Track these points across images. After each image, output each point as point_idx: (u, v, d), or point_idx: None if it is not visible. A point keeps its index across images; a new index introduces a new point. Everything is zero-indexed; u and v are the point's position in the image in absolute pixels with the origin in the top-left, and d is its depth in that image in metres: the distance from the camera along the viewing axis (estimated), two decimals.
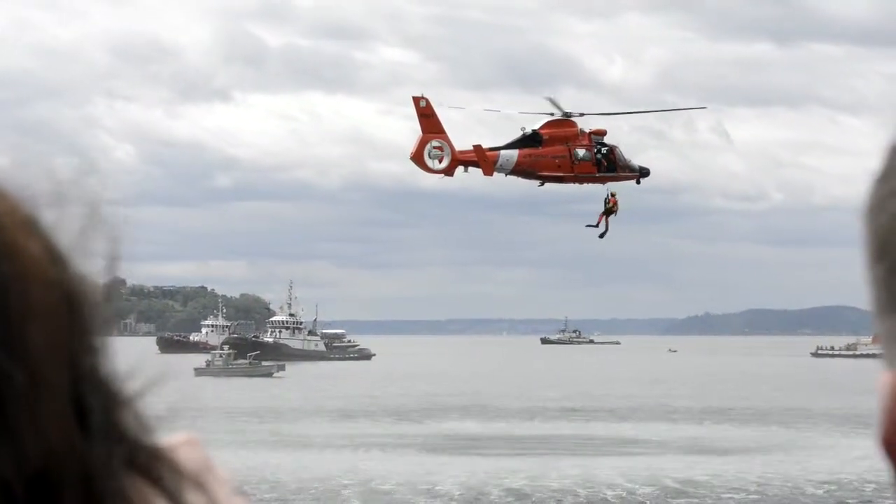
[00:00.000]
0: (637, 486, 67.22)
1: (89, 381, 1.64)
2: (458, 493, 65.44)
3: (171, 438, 1.76)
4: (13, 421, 1.56)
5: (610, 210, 71.67)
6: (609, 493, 65.62)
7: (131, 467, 1.68)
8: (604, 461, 78.09)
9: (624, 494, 65.35)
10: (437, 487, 66.83)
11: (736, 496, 64.95)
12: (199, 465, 1.77)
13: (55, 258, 1.67)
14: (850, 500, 63.53)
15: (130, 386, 1.71)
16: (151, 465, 1.69)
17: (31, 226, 1.66)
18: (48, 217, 1.68)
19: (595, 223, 72.00)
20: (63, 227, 1.69)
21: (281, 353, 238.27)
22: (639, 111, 75.31)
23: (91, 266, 1.70)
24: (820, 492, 66.13)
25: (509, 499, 63.93)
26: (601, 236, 72.04)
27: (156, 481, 1.69)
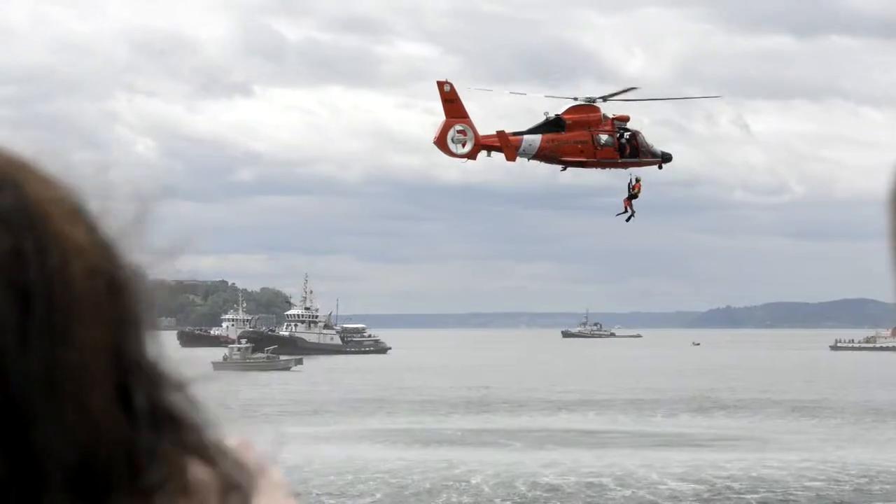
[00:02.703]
0: (674, 482, 66.82)
1: (134, 368, 1.66)
2: (486, 486, 65.10)
3: (225, 441, 1.78)
4: (62, 408, 1.59)
5: (634, 195, 71.57)
6: (642, 488, 65.32)
7: (184, 450, 1.70)
8: (636, 454, 77.74)
9: (663, 490, 64.98)
10: (463, 481, 66.51)
11: (774, 492, 64.58)
12: (254, 467, 1.78)
13: (101, 247, 1.68)
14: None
15: (179, 372, 1.73)
16: (203, 447, 1.71)
17: (77, 215, 1.68)
18: (95, 207, 1.70)
19: (623, 211, 71.95)
20: (109, 217, 1.70)
21: (297, 347, 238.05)
22: (659, 98, 74.88)
23: (137, 256, 1.71)
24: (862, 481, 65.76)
25: (538, 492, 63.56)
26: (628, 220, 71.91)
27: (209, 462, 1.71)
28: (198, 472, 1.73)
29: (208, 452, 1.72)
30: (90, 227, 1.68)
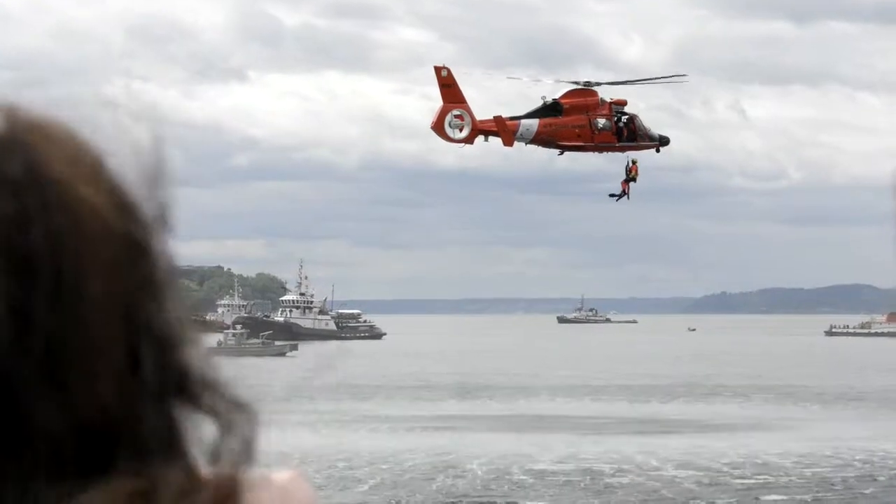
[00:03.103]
0: (673, 468, 66.76)
1: (146, 333, 1.61)
2: (481, 472, 64.97)
3: (278, 475, 1.72)
4: (63, 376, 1.54)
5: (632, 178, 71.64)
6: (640, 472, 65.24)
7: (195, 405, 1.65)
8: (633, 440, 77.71)
9: (660, 475, 64.91)
10: (458, 467, 66.37)
11: (771, 477, 64.53)
12: (306, 502, 1.73)
13: (121, 208, 1.62)
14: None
15: (193, 336, 1.67)
16: (212, 400, 1.65)
17: (96, 175, 1.62)
18: (116, 166, 1.64)
19: (617, 193, 71.96)
20: (131, 176, 1.64)
21: (291, 333, 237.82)
22: (630, 81, 74.51)
23: (157, 216, 1.66)
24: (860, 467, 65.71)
25: (534, 478, 63.38)
26: (618, 199, 71.99)
27: (216, 416, 1.66)
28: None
29: (225, 418, 1.66)
30: (110, 188, 1.62)
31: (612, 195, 72.04)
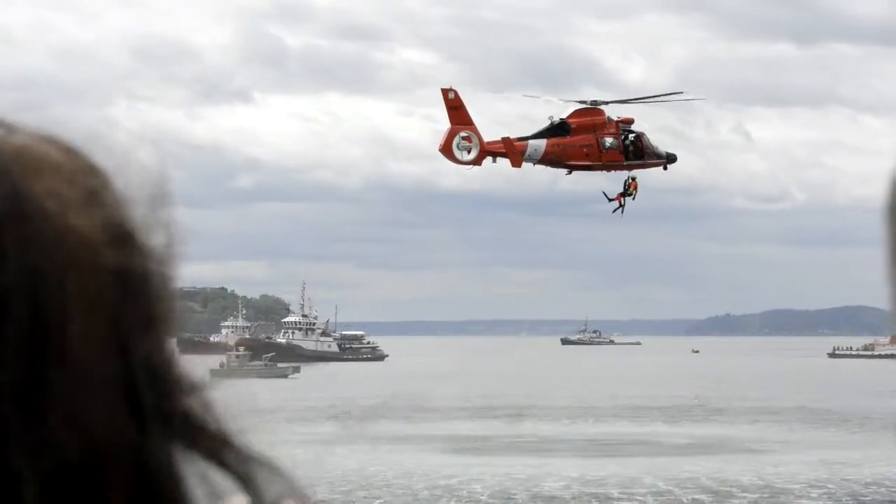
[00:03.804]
0: (679, 490, 66.40)
1: (144, 368, 1.54)
2: (485, 495, 64.58)
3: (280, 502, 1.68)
4: (42, 416, 1.47)
5: (629, 193, 71.64)
6: (643, 493, 64.85)
7: (197, 452, 1.58)
8: (638, 462, 77.29)
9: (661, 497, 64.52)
10: (462, 489, 65.99)
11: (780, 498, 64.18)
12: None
13: (115, 237, 1.54)
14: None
15: (193, 374, 1.61)
16: (217, 448, 1.59)
17: (87, 203, 1.53)
18: (118, 189, 1.57)
19: (617, 206, 71.85)
20: (135, 199, 1.57)
21: (294, 354, 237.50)
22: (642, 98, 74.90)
23: (160, 243, 1.58)
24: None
25: (539, 501, 63.05)
26: (614, 211, 71.99)
27: (222, 464, 1.60)
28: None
29: (228, 461, 1.60)
30: (105, 217, 1.54)
31: (608, 198, 71.91)
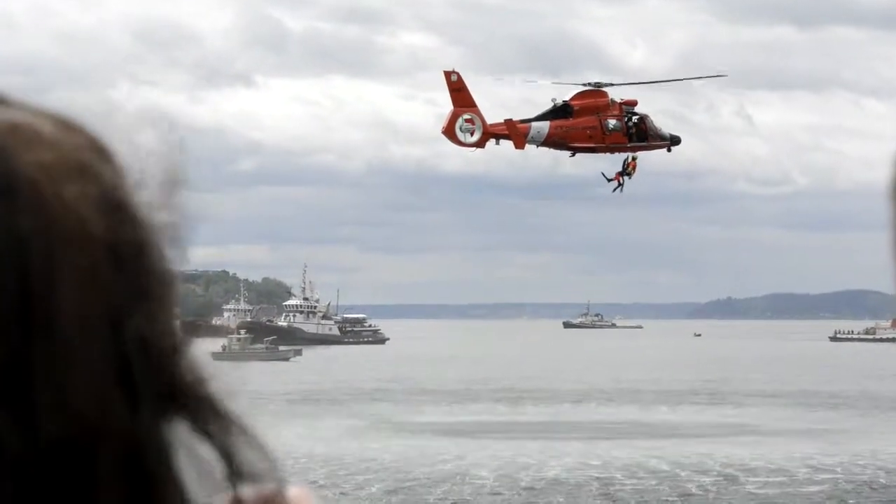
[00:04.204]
0: (684, 472, 66.17)
1: (137, 344, 1.51)
2: (490, 478, 64.32)
3: (288, 491, 1.66)
4: (27, 391, 1.44)
5: (627, 172, 71.40)
6: (646, 478, 64.61)
7: (186, 420, 1.56)
8: (642, 445, 77.07)
9: (666, 480, 64.26)
10: (465, 473, 65.75)
11: (779, 479, 63.95)
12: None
13: (110, 211, 1.52)
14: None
15: (186, 346, 1.57)
16: (203, 416, 1.56)
17: (81, 177, 1.51)
18: (116, 167, 1.55)
19: (616, 186, 71.63)
20: (142, 179, 1.56)
21: (295, 337, 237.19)
22: (663, 80, 75.25)
23: (160, 218, 1.57)
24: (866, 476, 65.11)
25: (543, 484, 62.77)
26: (614, 190, 71.79)
27: (206, 433, 1.57)
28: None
29: (208, 422, 1.57)
30: (101, 192, 1.52)
31: (607, 179, 71.66)
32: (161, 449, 1.52)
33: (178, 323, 1.56)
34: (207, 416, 1.56)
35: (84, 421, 1.46)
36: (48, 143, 1.52)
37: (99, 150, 1.55)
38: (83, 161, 1.53)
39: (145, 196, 1.55)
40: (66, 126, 1.54)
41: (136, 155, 1.56)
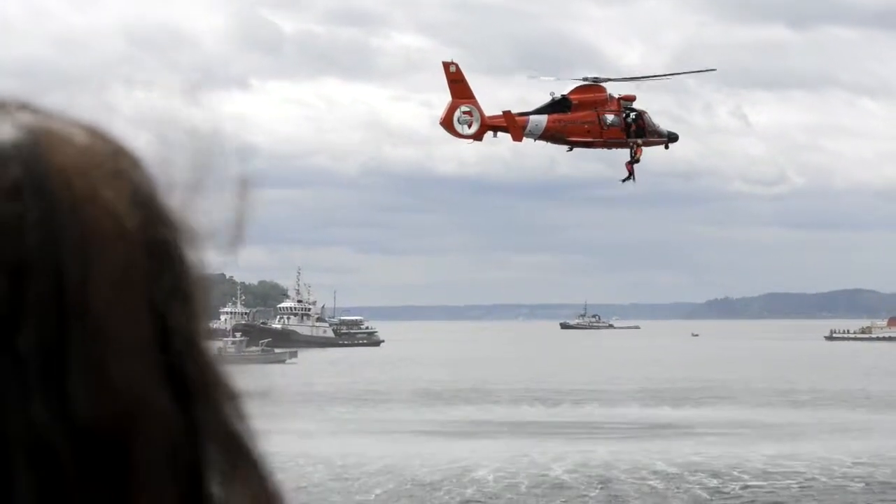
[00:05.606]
0: (685, 472, 65.62)
1: (177, 337, 1.55)
2: (490, 479, 63.75)
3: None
4: (61, 380, 1.47)
5: (636, 159, 71.33)
6: (650, 478, 64.07)
7: (209, 419, 1.58)
8: (643, 445, 76.55)
9: (665, 480, 63.71)
10: (465, 474, 65.14)
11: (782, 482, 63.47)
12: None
13: (143, 211, 1.55)
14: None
15: (212, 345, 1.61)
16: (226, 417, 1.58)
17: (115, 178, 1.55)
18: (148, 172, 1.58)
19: (626, 177, 71.69)
20: (169, 185, 1.59)
21: (289, 340, 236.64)
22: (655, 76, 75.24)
23: (199, 218, 1.60)
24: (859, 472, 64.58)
25: (544, 486, 62.20)
26: (623, 181, 71.69)
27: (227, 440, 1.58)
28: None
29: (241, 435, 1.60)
30: (134, 192, 1.55)
31: (623, 181, 71.76)
32: (195, 441, 1.55)
33: (208, 322, 1.60)
34: (232, 416, 1.59)
35: (122, 406, 1.49)
36: (81, 146, 1.56)
37: (128, 155, 1.58)
38: (115, 163, 1.56)
39: (175, 199, 1.58)
40: (95, 132, 1.58)
41: (159, 159, 1.60)
